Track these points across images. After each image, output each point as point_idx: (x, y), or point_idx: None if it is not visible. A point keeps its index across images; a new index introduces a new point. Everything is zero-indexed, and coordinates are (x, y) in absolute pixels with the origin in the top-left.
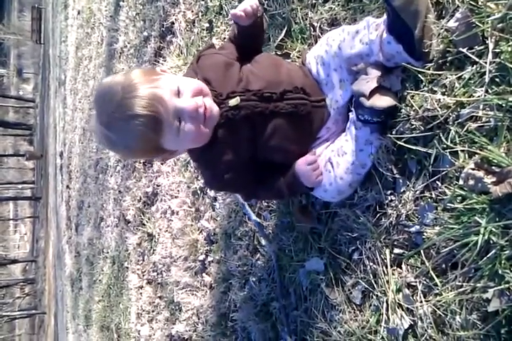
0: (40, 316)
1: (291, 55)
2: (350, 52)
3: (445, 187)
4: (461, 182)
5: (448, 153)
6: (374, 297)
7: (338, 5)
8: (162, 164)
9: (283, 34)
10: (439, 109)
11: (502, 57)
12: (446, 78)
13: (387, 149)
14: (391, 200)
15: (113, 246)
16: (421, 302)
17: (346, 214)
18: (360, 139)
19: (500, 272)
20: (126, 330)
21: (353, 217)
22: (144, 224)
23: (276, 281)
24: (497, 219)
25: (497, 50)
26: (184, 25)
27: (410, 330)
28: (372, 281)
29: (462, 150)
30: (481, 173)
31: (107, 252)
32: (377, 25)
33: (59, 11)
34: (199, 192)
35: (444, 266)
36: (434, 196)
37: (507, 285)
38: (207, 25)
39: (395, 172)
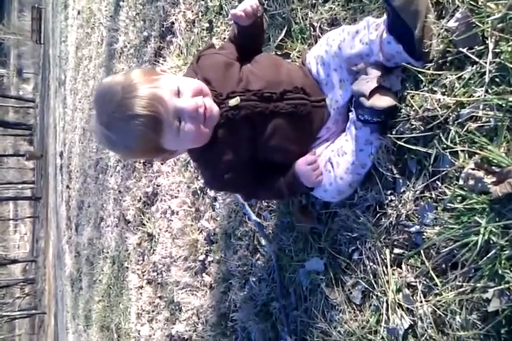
0: (40, 316)
1: (291, 55)
2: (350, 52)
3: (445, 187)
4: (461, 182)
5: (448, 153)
6: (374, 297)
7: (338, 5)
8: (162, 164)
9: (283, 34)
10: (439, 109)
11: (502, 57)
12: (446, 78)
13: (387, 149)
14: (391, 200)
15: (113, 246)
16: (421, 302)
17: (346, 214)
18: (360, 139)
19: (500, 272)
20: (126, 330)
21: (353, 217)
22: (144, 224)
23: (276, 281)
24: (497, 219)
25: (497, 50)
26: (184, 25)
27: (410, 330)
28: (372, 281)
29: (462, 150)
30: (481, 173)
31: (107, 252)
32: (377, 25)
33: (59, 11)
34: (199, 192)
35: (444, 266)
36: (434, 196)
37: (507, 285)
38: (207, 25)
39: (395, 172)
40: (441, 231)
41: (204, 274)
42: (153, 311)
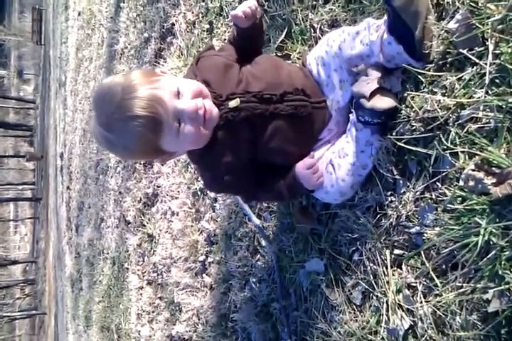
0: (40, 317)
1: (291, 56)
2: (350, 52)
3: (445, 188)
4: (461, 183)
5: (448, 154)
6: (374, 297)
7: (339, 6)
8: (162, 165)
9: (283, 35)
10: (439, 110)
11: (502, 59)
12: (447, 79)
13: (388, 150)
14: (391, 201)
15: (113, 247)
16: (421, 302)
17: (346, 215)
18: (360, 140)
19: (500, 273)
20: (127, 331)
21: (353, 218)
22: (144, 225)
23: (276, 282)
24: (497, 220)
25: (497, 52)
26: (184, 26)
27: (410, 331)
28: (373, 282)
29: (462, 152)
30: (481, 174)
31: (107, 253)
32: (378, 26)
33: (59, 12)
34: (199, 193)
35: (444, 266)
36: (434, 197)
37: (507, 286)
38: (207, 26)
39: (395, 173)
40: (442, 232)
41: (204, 275)
42: (153, 312)
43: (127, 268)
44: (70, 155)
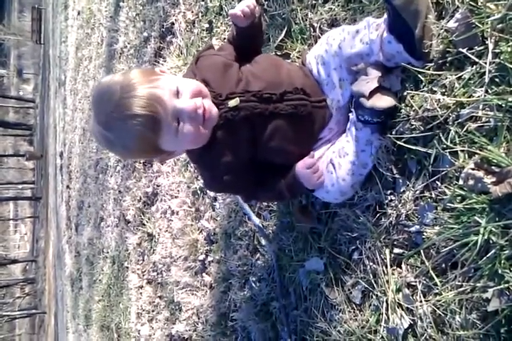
0: (40, 316)
1: (291, 56)
2: (350, 51)
3: (445, 187)
4: (460, 182)
5: (448, 153)
6: (374, 297)
7: (338, 5)
8: (162, 164)
9: (283, 34)
10: (438, 109)
11: (502, 58)
12: (446, 78)
13: (387, 149)
14: (391, 200)
15: (113, 246)
16: (421, 301)
17: (346, 214)
18: (361, 140)
19: (499, 272)
20: (127, 330)
21: (353, 217)
22: (144, 224)
23: (276, 281)
24: (497, 219)
25: (497, 51)
26: (184, 25)
27: (410, 330)
28: (372, 281)
29: (462, 151)
30: (480, 173)
31: (107, 252)
32: (378, 25)
33: (59, 12)
34: (199, 192)
35: (443, 265)
36: (433, 196)
37: (506, 285)
38: (207, 25)
39: (394, 172)
40: (441, 231)
41: (204, 274)
42: (153, 311)
43: (127, 267)
44: (70, 154)
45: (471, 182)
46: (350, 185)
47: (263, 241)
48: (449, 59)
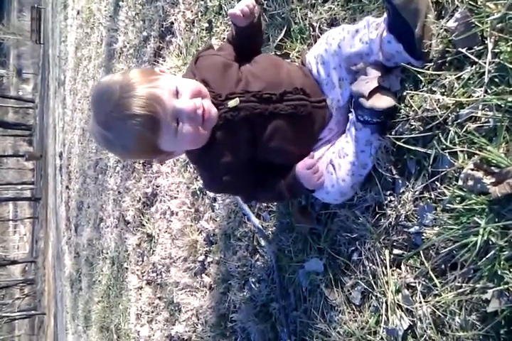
0: (39, 317)
1: (290, 55)
2: (349, 51)
3: (444, 187)
4: (460, 182)
5: (447, 154)
6: (373, 297)
7: (338, 5)
8: (161, 164)
9: (282, 34)
10: (438, 110)
11: (501, 58)
12: (446, 78)
13: (387, 150)
14: (390, 201)
15: (112, 247)
16: (420, 302)
17: (346, 215)
18: (360, 140)
19: (499, 273)
20: (126, 331)
21: (353, 218)
22: (144, 225)
23: (275, 282)
24: (496, 220)
25: (496, 50)
26: (183, 25)
27: (410, 331)
28: (372, 282)
29: (461, 151)
30: (480, 174)
31: (107, 253)
32: (378, 24)
33: (58, 11)
34: (198, 192)
35: (443, 266)
36: (433, 196)
37: (506, 286)
38: (206, 25)
39: (394, 172)
40: (441, 231)
41: (203, 275)
42: (152, 312)
43: (126, 268)
44: (69, 154)
45: (470, 182)
46: (350, 185)
47: (263, 242)
48: (449, 59)
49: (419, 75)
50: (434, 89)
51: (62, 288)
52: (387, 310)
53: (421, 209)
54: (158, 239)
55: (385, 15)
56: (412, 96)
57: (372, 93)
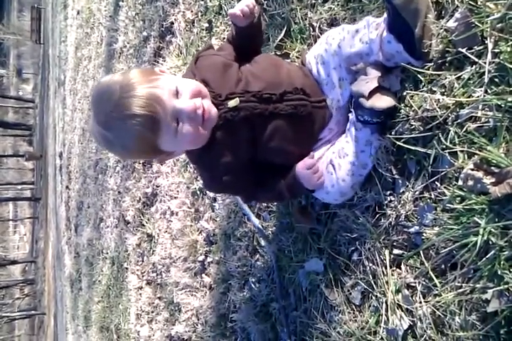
0: (39, 317)
1: (290, 55)
2: (349, 51)
3: (444, 187)
4: (460, 182)
5: (447, 154)
6: (373, 297)
7: (338, 5)
8: (161, 164)
9: (282, 34)
10: (438, 110)
11: (501, 58)
12: (446, 78)
13: (387, 150)
14: (390, 201)
15: (112, 247)
16: (420, 302)
17: (346, 215)
18: (360, 140)
19: (499, 273)
20: (126, 331)
21: (353, 218)
22: (144, 225)
23: (275, 282)
24: (496, 220)
25: (496, 50)
26: (184, 25)
27: (410, 331)
28: (372, 282)
29: (461, 151)
30: (480, 174)
31: (107, 253)
32: (378, 24)
33: (58, 11)
34: (198, 192)
35: (443, 266)
36: (433, 196)
37: (506, 286)
38: (206, 25)
39: (394, 172)
40: (441, 231)
41: (203, 275)
42: (152, 312)
43: (126, 268)
44: (69, 154)
45: (470, 182)
46: (350, 185)
47: (263, 242)
48: (449, 59)
49: (419, 75)
50: (434, 89)
51: (62, 288)
52: (387, 310)
53: (421, 209)
54: (158, 239)
55: (385, 15)
56: (412, 96)
57: (372, 93)
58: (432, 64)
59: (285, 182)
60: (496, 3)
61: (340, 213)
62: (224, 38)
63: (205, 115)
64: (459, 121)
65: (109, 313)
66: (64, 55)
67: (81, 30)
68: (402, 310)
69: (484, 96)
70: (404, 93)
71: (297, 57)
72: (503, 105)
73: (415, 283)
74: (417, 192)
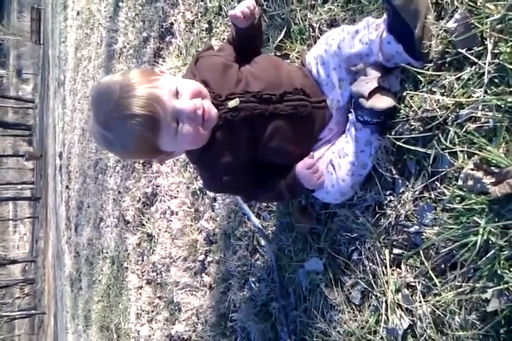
0: (39, 316)
1: (290, 56)
2: (349, 51)
3: (444, 187)
4: (460, 182)
5: (447, 154)
6: (373, 297)
7: (337, 6)
8: (161, 164)
9: (282, 35)
10: (438, 110)
11: (501, 58)
12: (446, 79)
13: (387, 150)
14: (390, 201)
15: (112, 247)
16: (420, 302)
17: (345, 215)
18: (360, 140)
19: (499, 272)
20: (126, 330)
21: (353, 218)
22: (144, 225)
23: (275, 281)
24: (496, 220)
25: (496, 51)
26: (183, 25)
27: (409, 330)
28: (372, 281)
29: (461, 151)
30: (480, 174)
31: (107, 252)
32: (377, 25)
33: (58, 12)
34: (198, 192)
35: (443, 266)
36: (433, 196)
37: (506, 286)
38: (206, 25)
39: (394, 172)
40: (441, 231)
41: (203, 274)
42: (152, 311)
43: (126, 268)
44: (69, 154)
45: (470, 182)
46: (349, 185)
47: (262, 242)
48: (449, 59)
49: (418, 76)
50: (433, 89)
51: (62, 288)
52: (387, 310)
53: (421, 208)
54: (158, 239)
55: (385, 16)
56: (412, 96)
57: (372, 93)
58: (432, 64)
59: (285, 182)
60: (495, 4)
61: (340, 213)
62: (224, 39)
63: (205, 115)
64: (458, 121)
65: (109, 313)
66: (64, 55)
67: (81, 30)
68: (402, 310)
69: (484, 96)
70: (404, 93)
71: (297, 58)
72: (502, 105)
73: (415, 282)
74: (417, 192)
